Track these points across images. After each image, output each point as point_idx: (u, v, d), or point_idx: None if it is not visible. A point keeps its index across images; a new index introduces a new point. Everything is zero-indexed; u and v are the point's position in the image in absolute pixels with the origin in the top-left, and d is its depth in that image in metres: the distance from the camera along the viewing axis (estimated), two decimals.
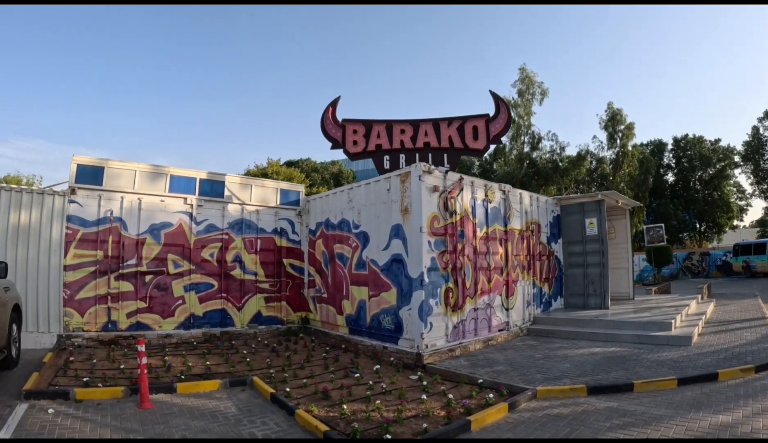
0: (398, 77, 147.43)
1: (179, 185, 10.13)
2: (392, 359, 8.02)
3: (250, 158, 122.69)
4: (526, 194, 11.25)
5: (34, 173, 48.27)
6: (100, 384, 6.26)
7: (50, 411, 5.38)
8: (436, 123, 11.33)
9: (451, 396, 5.70)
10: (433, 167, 8.52)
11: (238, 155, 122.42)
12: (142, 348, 5.77)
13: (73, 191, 9.34)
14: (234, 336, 10.12)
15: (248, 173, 29.84)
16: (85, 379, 6.38)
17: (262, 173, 28.16)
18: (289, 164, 39.92)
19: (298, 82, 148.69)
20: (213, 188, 10.49)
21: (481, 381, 6.40)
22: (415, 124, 11.22)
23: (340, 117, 12.22)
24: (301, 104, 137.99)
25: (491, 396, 5.61)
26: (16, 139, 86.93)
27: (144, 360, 5.75)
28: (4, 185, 9.60)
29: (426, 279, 7.92)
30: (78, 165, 9.47)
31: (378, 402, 5.45)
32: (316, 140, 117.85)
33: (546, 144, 29.13)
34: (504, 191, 10.24)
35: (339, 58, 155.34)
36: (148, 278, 9.68)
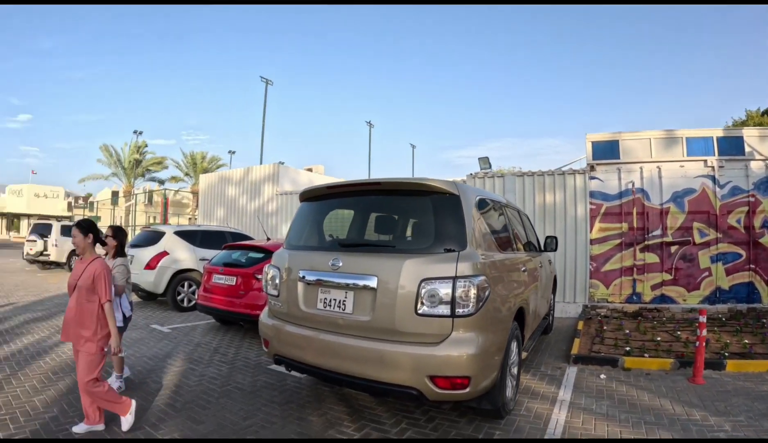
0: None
1: (696, 147, 9.48)
2: None
3: (722, 115, 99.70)
4: None
5: (513, 165, 53.80)
6: (646, 355, 6.08)
7: (602, 376, 5.51)
8: None
9: None
10: None
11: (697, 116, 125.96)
12: (703, 318, 5.36)
13: (592, 168, 9.66)
14: (762, 313, 9.11)
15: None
16: (627, 349, 6.32)
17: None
18: None
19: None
20: (731, 146, 9.59)
21: None
22: None
23: None
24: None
25: None
26: (487, 142, 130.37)
27: (704, 332, 5.31)
28: (528, 171, 10.19)
29: None
30: (593, 143, 9.75)
31: None
32: None
33: None
34: None
35: None
36: (673, 248, 9.12)
